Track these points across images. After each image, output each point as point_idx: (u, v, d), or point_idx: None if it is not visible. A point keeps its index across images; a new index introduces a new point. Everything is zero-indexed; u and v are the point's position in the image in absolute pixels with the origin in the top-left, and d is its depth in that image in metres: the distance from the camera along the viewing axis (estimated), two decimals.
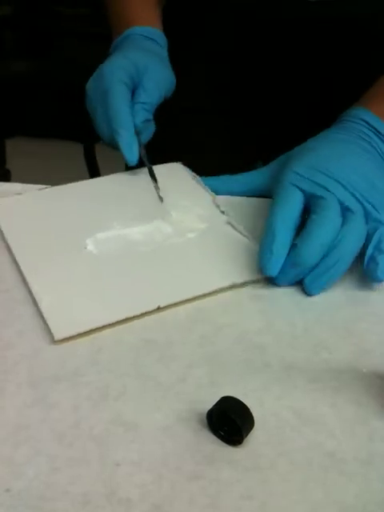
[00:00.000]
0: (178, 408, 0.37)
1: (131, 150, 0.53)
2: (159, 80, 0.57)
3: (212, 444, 0.35)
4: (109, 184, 0.57)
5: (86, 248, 0.48)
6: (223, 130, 0.75)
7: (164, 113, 0.79)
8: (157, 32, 0.62)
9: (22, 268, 0.46)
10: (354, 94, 0.67)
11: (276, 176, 0.52)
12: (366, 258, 0.46)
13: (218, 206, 0.54)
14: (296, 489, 0.33)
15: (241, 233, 0.51)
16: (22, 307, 0.44)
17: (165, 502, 0.32)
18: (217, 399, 0.35)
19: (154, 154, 0.62)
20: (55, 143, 1.39)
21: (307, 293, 0.46)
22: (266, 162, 0.61)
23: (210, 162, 0.73)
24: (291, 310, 0.45)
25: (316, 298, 0.46)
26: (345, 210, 0.46)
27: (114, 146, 0.54)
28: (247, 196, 0.56)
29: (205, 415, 0.36)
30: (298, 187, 0.48)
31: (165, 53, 0.63)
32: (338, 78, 0.70)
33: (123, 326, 0.42)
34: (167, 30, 0.72)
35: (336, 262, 0.45)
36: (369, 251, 0.46)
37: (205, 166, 0.72)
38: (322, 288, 0.45)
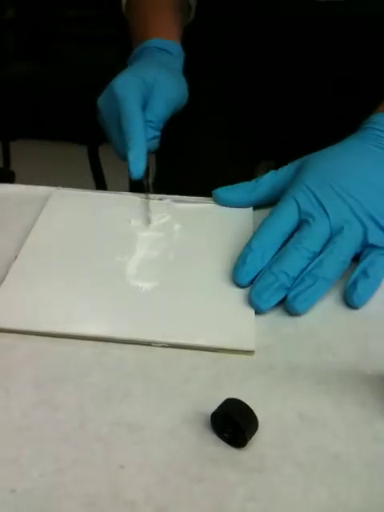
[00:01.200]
0: (182, 410, 0.37)
1: (137, 165, 0.52)
2: (168, 97, 0.56)
3: (216, 446, 0.35)
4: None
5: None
6: (221, 130, 0.75)
7: None
8: (172, 43, 0.62)
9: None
10: (356, 95, 0.68)
11: (286, 184, 0.51)
12: (350, 280, 0.45)
13: (147, 210, 0.55)
14: (300, 491, 0.33)
15: (189, 202, 0.56)
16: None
17: (169, 504, 0.32)
18: (221, 401, 0.35)
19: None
20: (59, 145, 1.39)
21: (290, 311, 0.44)
22: (264, 163, 0.61)
23: (208, 162, 0.73)
24: None
25: (318, 300, 0.46)
26: (336, 232, 0.46)
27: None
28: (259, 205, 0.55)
29: (209, 417, 0.36)
30: (296, 201, 0.48)
31: (178, 64, 0.62)
32: (339, 79, 0.70)
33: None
34: None
35: (313, 284, 0.44)
36: (354, 274, 0.46)
37: (203, 166, 0.73)
38: (305, 306, 0.44)
